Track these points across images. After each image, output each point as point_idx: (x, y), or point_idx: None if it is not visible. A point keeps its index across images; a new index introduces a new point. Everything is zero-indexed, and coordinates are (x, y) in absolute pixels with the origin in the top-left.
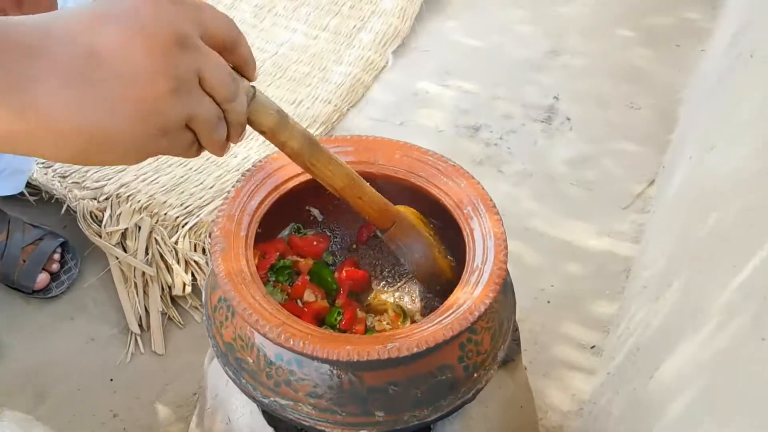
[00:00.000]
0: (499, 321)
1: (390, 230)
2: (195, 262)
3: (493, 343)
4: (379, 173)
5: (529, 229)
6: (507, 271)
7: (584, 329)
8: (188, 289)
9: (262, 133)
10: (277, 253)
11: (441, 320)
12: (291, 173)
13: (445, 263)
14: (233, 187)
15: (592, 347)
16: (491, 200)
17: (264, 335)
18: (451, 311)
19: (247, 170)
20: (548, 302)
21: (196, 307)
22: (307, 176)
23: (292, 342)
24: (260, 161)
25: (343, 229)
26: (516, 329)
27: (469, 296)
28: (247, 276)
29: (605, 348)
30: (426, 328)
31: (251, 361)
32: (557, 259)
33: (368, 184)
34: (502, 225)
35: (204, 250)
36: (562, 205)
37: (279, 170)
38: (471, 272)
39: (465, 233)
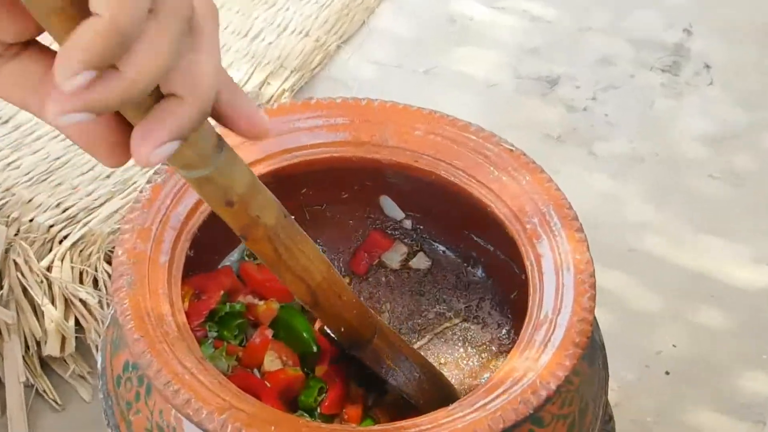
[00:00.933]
0: (580, 405)
1: (372, 343)
2: (81, 301)
3: None
4: (389, 162)
5: (637, 251)
6: (595, 323)
7: (726, 417)
8: (70, 347)
9: (227, 204)
10: (222, 292)
11: (485, 403)
12: (249, 158)
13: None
14: (148, 183)
15: None
16: (570, 207)
17: (199, 425)
18: (502, 389)
19: None
20: (666, 373)
21: (84, 377)
22: (268, 166)
23: None
24: None
25: (328, 252)
26: (610, 418)
27: (533, 365)
28: (172, 328)
29: None
30: (461, 416)
31: None
32: (683, 301)
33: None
34: (588, 249)
35: (97, 283)
36: (695, 212)
37: None
38: (536, 326)
39: (527, 262)
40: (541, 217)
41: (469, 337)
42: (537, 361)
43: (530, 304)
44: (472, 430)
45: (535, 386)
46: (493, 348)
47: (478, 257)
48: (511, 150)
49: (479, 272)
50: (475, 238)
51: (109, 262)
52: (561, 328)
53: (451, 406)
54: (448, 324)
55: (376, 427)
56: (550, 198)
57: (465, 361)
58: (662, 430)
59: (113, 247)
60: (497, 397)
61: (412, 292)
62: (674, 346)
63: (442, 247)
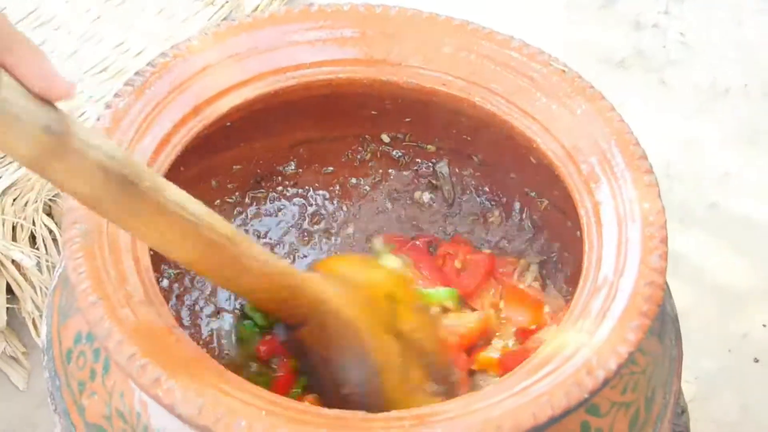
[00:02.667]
0: (646, 391)
1: (297, 331)
2: (14, 263)
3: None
4: (409, 86)
5: (719, 207)
6: (667, 290)
7: None
8: (0, 321)
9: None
10: None
11: (529, 386)
12: (232, 80)
13: (416, 398)
14: (107, 108)
15: None
16: (637, 143)
17: (170, 409)
18: (548, 367)
19: (139, 72)
20: (755, 361)
21: (17, 359)
22: (256, 90)
23: (226, 425)
24: (165, 54)
25: (336, 209)
26: (683, 411)
27: (588, 339)
28: (137, 290)
29: None
30: (498, 402)
31: None
32: None
33: (250, 239)
34: (659, 196)
35: (34, 240)
36: None
37: (204, 74)
38: (593, 291)
39: (582, 212)
40: (601, 155)
41: None
42: (593, 335)
43: (585, 263)
44: (512, 420)
45: (590, 365)
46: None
47: (522, 205)
48: (564, 71)
49: (523, 223)
50: (517, 182)
51: (50, 215)
52: (624, 294)
53: (487, 387)
54: None
55: (394, 413)
56: (612, 132)
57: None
58: (748, 428)
59: (54, 196)
60: (543, 377)
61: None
62: (765, 326)
63: (474, 192)
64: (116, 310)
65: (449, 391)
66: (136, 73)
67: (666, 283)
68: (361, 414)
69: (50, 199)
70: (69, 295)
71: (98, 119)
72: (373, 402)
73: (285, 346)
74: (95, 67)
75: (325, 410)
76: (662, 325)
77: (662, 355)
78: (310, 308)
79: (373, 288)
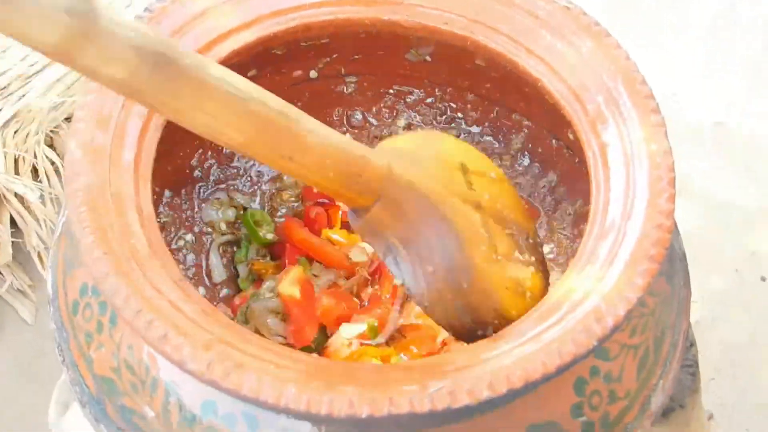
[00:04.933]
0: (655, 332)
1: (370, 212)
2: (17, 196)
3: (644, 376)
4: (411, 25)
5: (725, 125)
6: (675, 230)
7: None
8: (5, 255)
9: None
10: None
11: (538, 333)
12: (231, 23)
13: (512, 281)
14: None
15: None
16: (644, 82)
17: (179, 365)
18: (557, 314)
19: (137, 17)
20: (762, 279)
21: (24, 292)
22: (255, 33)
23: (235, 379)
24: None
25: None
26: (692, 344)
27: (596, 285)
28: (142, 243)
29: None
30: (507, 350)
31: (152, 414)
32: None
33: (305, 114)
34: (666, 136)
35: (37, 173)
36: None
37: (203, 17)
38: (601, 234)
39: (589, 153)
40: (607, 94)
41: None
42: (602, 280)
43: (593, 206)
44: (521, 368)
45: (599, 311)
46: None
47: (525, 145)
48: (568, 8)
49: (528, 165)
50: (524, 122)
51: (51, 146)
52: (632, 238)
53: (495, 335)
54: None
55: (401, 363)
56: (618, 70)
57: None
58: (758, 353)
59: (56, 127)
60: (552, 325)
61: None
62: None
63: (478, 132)
64: (122, 265)
65: (537, 261)
66: (135, 19)
67: (675, 223)
68: (371, 364)
69: (52, 131)
70: (73, 246)
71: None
72: (463, 277)
73: (360, 233)
74: None
75: (336, 362)
76: (670, 266)
77: (671, 296)
78: (381, 184)
79: (444, 159)
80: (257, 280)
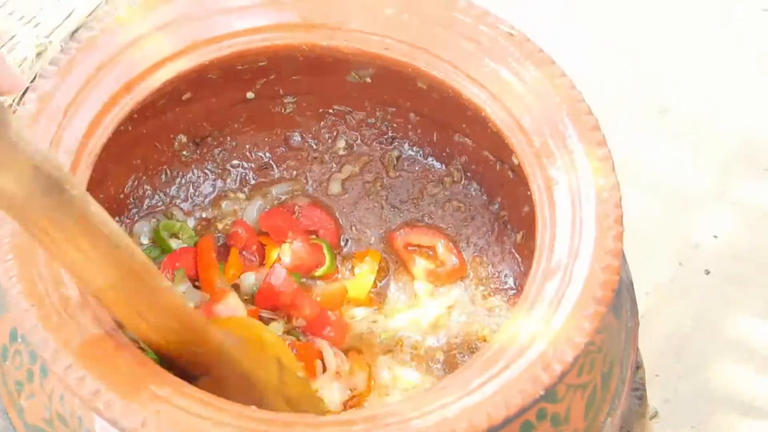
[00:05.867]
0: (603, 369)
1: (198, 382)
2: None
3: (591, 415)
4: (351, 50)
5: (671, 111)
6: (624, 264)
7: None
8: None
9: None
10: None
11: (483, 382)
12: (164, 52)
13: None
14: (32, 92)
15: None
16: (590, 112)
17: (112, 423)
18: (503, 361)
19: (64, 50)
20: (706, 273)
21: None
22: (190, 61)
23: None
24: (90, 28)
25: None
26: (638, 366)
27: (543, 328)
28: (74, 291)
29: None
30: (452, 401)
31: None
32: (729, 178)
33: (162, 277)
34: (613, 169)
35: None
36: (746, 56)
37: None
38: (546, 275)
39: (535, 188)
40: (552, 126)
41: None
42: (548, 323)
43: (538, 243)
44: (467, 421)
45: (546, 358)
46: (492, 302)
47: (467, 167)
48: (511, 34)
49: (470, 187)
50: (467, 143)
51: None
52: (579, 279)
53: (439, 384)
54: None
55: (344, 415)
56: (563, 100)
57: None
58: (700, 343)
59: None
60: (498, 373)
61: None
62: (715, 237)
63: (420, 153)
64: (51, 317)
65: None
66: (62, 51)
67: (622, 264)
68: (311, 416)
69: None
70: (2, 292)
71: (22, 103)
72: None
73: None
74: None
75: (276, 414)
76: (618, 298)
77: (618, 329)
78: (212, 357)
79: (265, 350)
80: None
